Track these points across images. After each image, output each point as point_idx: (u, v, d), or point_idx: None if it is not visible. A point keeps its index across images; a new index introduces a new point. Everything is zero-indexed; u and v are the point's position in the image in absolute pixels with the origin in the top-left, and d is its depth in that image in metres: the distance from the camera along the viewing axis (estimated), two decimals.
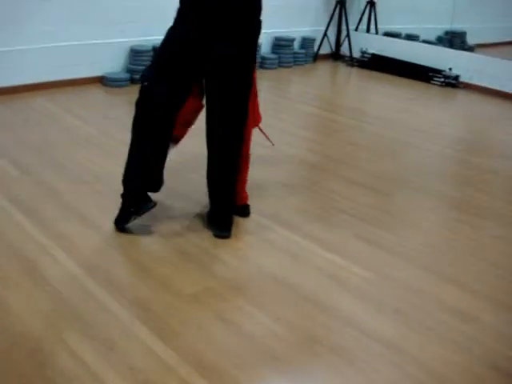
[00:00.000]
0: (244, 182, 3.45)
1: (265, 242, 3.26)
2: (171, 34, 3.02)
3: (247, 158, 3.40)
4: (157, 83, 3.02)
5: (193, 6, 2.93)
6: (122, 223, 3.21)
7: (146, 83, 3.05)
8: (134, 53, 6.34)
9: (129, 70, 6.39)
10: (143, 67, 6.26)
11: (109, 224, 3.28)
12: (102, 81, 6.24)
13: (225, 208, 3.30)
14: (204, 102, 3.20)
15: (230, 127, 3.16)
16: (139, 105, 3.08)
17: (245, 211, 3.48)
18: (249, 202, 3.50)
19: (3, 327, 2.45)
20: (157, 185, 3.21)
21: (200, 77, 3.12)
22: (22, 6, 5.61)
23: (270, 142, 3.50)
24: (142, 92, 3.07)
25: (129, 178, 3.16)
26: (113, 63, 6.37)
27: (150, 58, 6.34)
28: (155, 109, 3.04)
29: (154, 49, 6.17)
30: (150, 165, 3.14)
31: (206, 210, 3.44)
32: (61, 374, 2.21)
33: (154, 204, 3.18)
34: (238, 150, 3.23)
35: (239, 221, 3.40)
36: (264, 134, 3.47)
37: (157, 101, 3.03)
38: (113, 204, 3.35)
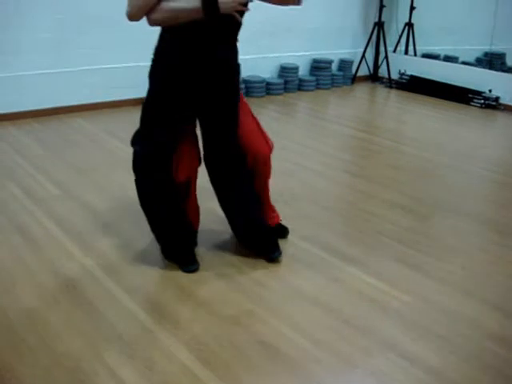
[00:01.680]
0: (266, 202, 3.41)
1: (304, 264, 3.25)
2: (153, 85, 3.00)
3: (267, 180, 3.37)
4: (146, 143, 3.03)
5: (173, 65, 2.90)
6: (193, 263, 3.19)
7: (137, 148, 3.07)
8: None
9: None
10: None
11: (149, 245, 3.31)
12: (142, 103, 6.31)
13: (265, 237, 3.28)
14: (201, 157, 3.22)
15: (230, 165, 3.15)
16: (136, 169, 3.10)
17: (283, 231, 3.48)
18: (282, 220, 3.50)
19: (44, 346, 2.48)
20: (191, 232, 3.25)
21: (189, 122, 3.12)
22: (65, 29, 5.74)
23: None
24: (134, 157, 3.09)
25: (167, 244, 3.20)
26: None
27: None
28: (151, 168, 3.05)
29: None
30: (177, 220, 3.15)
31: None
32: None
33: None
34: (248, 184, 3.21)
35: (279, 243, 3.39)
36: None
37: (149, 160, 3.04)
38: None
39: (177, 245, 3.17)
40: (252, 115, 3.25)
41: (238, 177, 3.18)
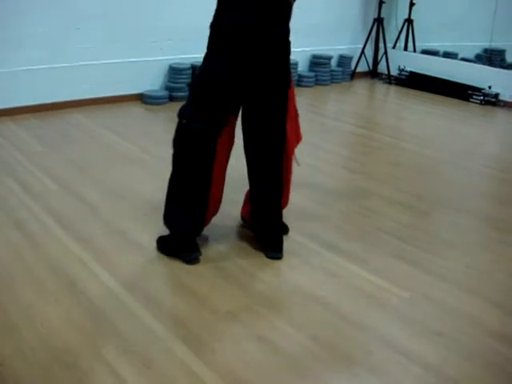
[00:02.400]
0: (286, 200, 3.43)
1: (303, 260, 3.24)
2: (206, 69, 2.99)
3: (289, 175, 3.38)
4: (195, 119, 3.00)
5: (228, 43, 2.91)
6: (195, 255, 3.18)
7: (184, 121, 3.03)
8: (173, 71, 6.41)
9: (167, 88, 6.46)
10: (182, 85, 6.37)
11: (148, 240, 3.30)
12: (141, 98, 6.31)
13: (276, 230, 3.29)
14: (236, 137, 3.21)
15: (271, 151, 3.15)
16: (178, 142, 3.06)
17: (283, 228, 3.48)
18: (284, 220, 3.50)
19: (43, 342, 2.47)
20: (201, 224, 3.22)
21: (238, 108, 3.12)
22: (63, 25, 5.72)
23: (297, 162, 3.46)
24: (180, 130, 3.05)
25: (177, 220, 3.16)
26: (152, 81, 6.44)
27: (188, 76, 6.41)
28: (195, 145, 3.02)
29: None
30: (199, 201, 3.12)
31: (243, 228, 3.44)
32: None
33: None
34: (280, 172, 3.21)
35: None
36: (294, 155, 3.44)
37: (196, 136, 3.00)
38: (152, 220, 3.38)
39: (189, 227, 3.13)
40: (295, 105, 3.28)
41: (276, 164, 3.19)
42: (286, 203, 3.42)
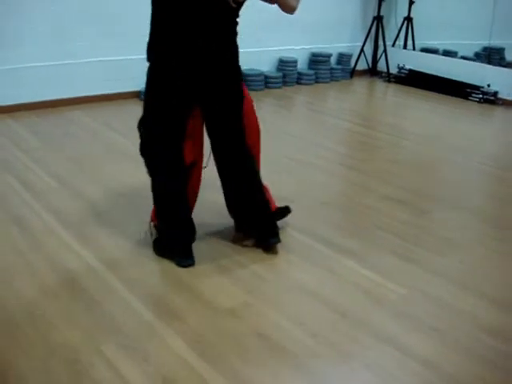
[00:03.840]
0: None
1: (302, 257, 3.26)
2: (155, 80, 2.99)
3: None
4: (153, 126, 3.03)
5: (172, 57, 2.90)
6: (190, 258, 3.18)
7: (142, 129, 3.08)
8: None
9: None
10: None
11: (148, 238, 3.32)
12: (139, 96, 6.32)
13: (267, 218, 3.30)
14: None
15: (233, 149, 3.17)
16: (144, 152, 3.10)
17: (283, 212, 3.49)
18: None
19: (43, 338, 2.48)
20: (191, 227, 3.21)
21: (191, 111, 3.10)
22: (62, 23, 5.73)
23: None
24: (142, 139, 3.09)
25: (166, 231, 3.18)
26: None
27: None
28: (159, 149, 3.05)
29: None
30: (179, 211, 3.14)
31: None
32: None
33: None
34: (250, 166, 3.24)
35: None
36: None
37: (157, 140, 3.04)
38: (150, 217, 3.39)
39: (178, 234, 3.14)
40: (248, 94, 3.28)
41: (246, 163, 3.21)
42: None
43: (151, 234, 3.30)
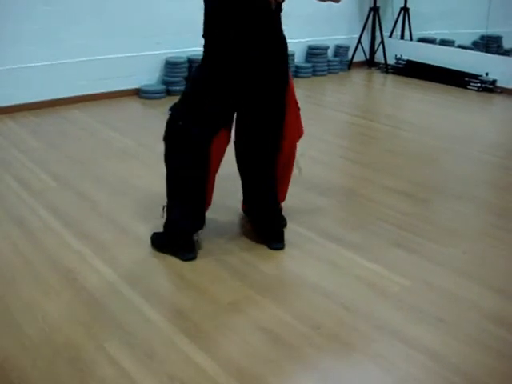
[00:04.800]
0: (283, 196, 3.42)
1: (303, 250, 3.24)
2: (204, 77, 2.97)
3: (288, 170, 3.36)
4: (192, 122, 2.96)
5: (222, 56, 2.90)
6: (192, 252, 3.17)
7: (180, 122, 2.99)
8: (170, 65, 6.40)
9: (164, 82, 6.45)
10: (179, 79, 6.35)
11: (147, 234, 3.30)
12: (138, 93, 6.31)
13: (276, 221, 3.30)
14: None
15: (266, 151, 3.15)
16: (172, 142, 3.03)
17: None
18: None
19: (45, 336, 2.47)
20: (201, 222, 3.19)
21: (235, 110, 3.08)
22: (59, 21, 5.71)
23: (299, 168, 3.46)
24: (174, 130, 3.01)
25: (177, 219, 3.13)
26: (148, 75, 6.44)
27: (185, 70, 6.39)
28: (191, 147, 2.99)
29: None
30: (197, 201, 3.11)
31: (243, 220, 3.45)
32: (101, 382, 2.22)
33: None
34: (274, 168, 3.22)
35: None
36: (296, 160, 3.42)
37: (192, 139, 2.97)
38: (151, 215, 3.37)
39: (188, 227, 3.12)
40: (295, 99, 3.23)
41: (269, 165, 3.19)
42: (283, 199, 3.41)
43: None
